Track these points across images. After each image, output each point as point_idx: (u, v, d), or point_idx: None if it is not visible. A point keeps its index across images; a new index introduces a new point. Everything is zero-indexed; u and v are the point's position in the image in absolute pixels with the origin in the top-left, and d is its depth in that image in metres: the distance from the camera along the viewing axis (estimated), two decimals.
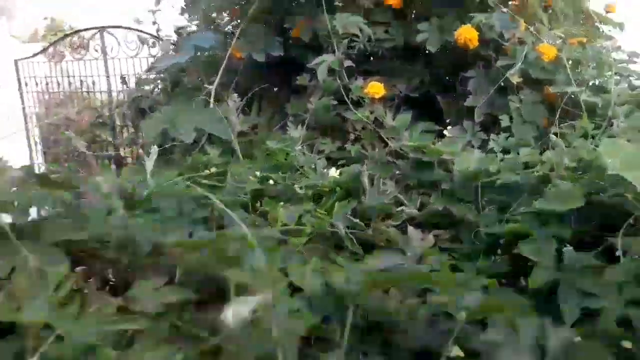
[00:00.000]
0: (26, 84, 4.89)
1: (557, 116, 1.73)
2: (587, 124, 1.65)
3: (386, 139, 1.83)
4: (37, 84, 4.90)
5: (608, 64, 1.84)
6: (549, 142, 1.71)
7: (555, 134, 1.62)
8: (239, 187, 1.32)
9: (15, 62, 4.84)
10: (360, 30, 1.80)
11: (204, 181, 1.30)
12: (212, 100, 1.94)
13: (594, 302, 1.02)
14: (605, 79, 1.86)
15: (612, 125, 1.60)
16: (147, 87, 3.05)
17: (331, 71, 1.86)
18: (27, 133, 4.86)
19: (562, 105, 1.89)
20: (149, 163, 1.19)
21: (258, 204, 1.55)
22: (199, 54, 2.45)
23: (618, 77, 1.94)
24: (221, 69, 2.01)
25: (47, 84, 4.89)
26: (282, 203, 1.54)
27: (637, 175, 1.06)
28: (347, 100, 1.83)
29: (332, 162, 1.89)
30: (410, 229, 1.36)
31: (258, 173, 1.72)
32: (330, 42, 1.85)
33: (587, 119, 1.70)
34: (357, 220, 1.33)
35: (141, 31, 4.50)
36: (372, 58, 2.08)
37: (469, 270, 1.24)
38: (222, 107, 2.00)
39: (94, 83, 4.68)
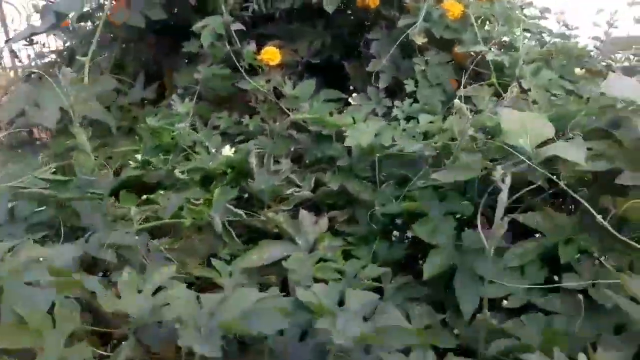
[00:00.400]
0: None
1: (465, 77, 1.62)
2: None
3: (287, 111, 1.65)
4: None
5: (517, 20, 1.74)
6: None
7: (461, 98, 1.51)
8: (89, 181, 1.10)
9: None
10: None
11: (48, 176, 1.08)
12: (86, 74, 1.68)
13: (495, 290, 0.91)
14: (515, 36, 1.76)
15: (520, 84, 1.50)
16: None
17: (222, 36, 1.65)
18: None
19: (471, 65, 1.79)
20: None
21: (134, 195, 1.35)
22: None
23: (527, 34, 1.85)
24: (95, 37, 1.74)
25: None
26: (161, 192, 1.35)
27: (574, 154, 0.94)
28: (239, 68, 1.63)
29: (229, 138, 1.70)
30: (302, 213, 1.21)
31: (139, 156, 1.51)
32: (218, 3, 1.63)
33: (495, 79, 1.60)
34: (238, 210, 1.16)
35: None
36: (270, 21, 1.87)
37: (364, 256, 1.12)
38: (99, 81, 1.74)
39: None
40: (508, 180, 0.75)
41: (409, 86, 1.60)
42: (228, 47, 1.62)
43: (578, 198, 0.90)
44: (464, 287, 0.89)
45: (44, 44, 3.27)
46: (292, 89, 1.67)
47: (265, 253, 1.11)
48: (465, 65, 1.79)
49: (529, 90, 1.45)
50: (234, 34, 1.63)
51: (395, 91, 1.71)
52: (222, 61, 1.68)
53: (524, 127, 1.02)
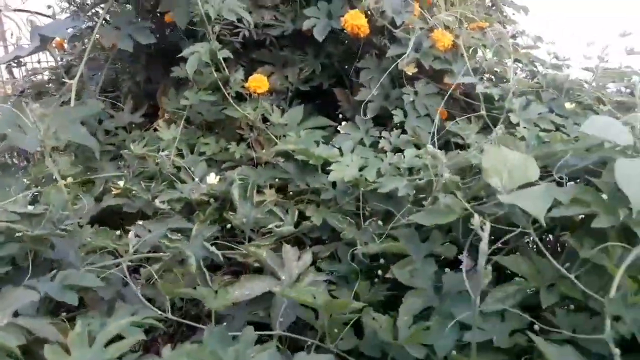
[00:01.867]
0: None
1: (445, 108, 1.60)
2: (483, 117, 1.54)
3: (274, 138, 1.64)
4: None
5: (507, 51, 1.73)
6: (448, 137, 1.58)
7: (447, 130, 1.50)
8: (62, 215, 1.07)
9: None
10: (237, 15, 1.58)
11: (18, 208, 1.05)
12: (72, 97, 1.66)
13: (474, 336, 0.88)
14: (506, 67, 1.75)
15: (509, 117, 1.48)
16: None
17: (210, 63, 1.63)
18: None
19: (461, 97, 1.78)
20: None
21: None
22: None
23: (517, 65, 1.84)
24: (84, 60, 1.73)
25: None
26: (140, 222, 1.32)
27: (533, 206, 0.92)
28: (226, 95, 1.61)
29: (217, 165, 1.68)
30: (285, 248, 1.18)
31: (122, 182, 1.48)
32: (207, 29, 1.62)
33: (485, 111, 1.59)
34: (213, 249, 1.13)
35: (40, 14, 4.01)
36: (261, 47, 1.86)
37: (345, 296, 1.08)
38: (86, 104, 1.72)
39: None
40: (487, 227, 0.72)
41: (397, 116, 1.58)
42: (215, 74, 1.61)
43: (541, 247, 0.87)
44: (439, 331, 0.86)
45: (39, 60, 3.28)
46: (280, 116, 1.66)
47: (247, 289, 1.08)
48: (456, 96, 1.79)
49: (518, 124, 1.43)
50: (222, 61, 1.61)
51: (384, 121, 1.69)
52: (211, 87, 1.67)
53: (505, 166, 1.00)
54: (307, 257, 1.15)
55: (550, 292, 0.90)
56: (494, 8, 2.17)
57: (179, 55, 1.62)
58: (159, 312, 0.99)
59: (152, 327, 0.98)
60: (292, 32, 1.77)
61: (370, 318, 0.95)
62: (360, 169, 1.27)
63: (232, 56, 1.63)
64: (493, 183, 0.96)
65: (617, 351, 0.71)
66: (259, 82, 1.60)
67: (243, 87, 1.62)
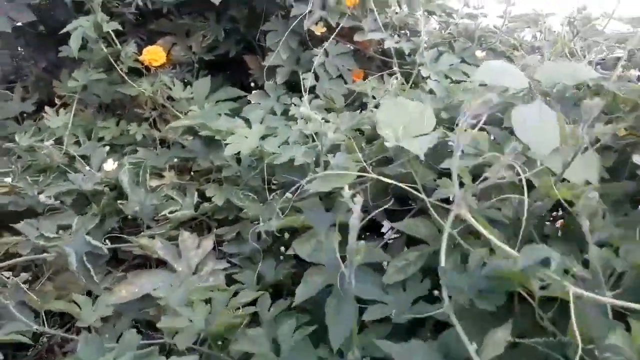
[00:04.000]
0: None
1: (361, 67, 1.52)
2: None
3: (179, 115, 1.51)
4: None
5: (420, 2, 1.65)
6: (362, 100, 1.50)
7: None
8: None
9: None
10: None
11: None
12: None
13: (374, 312, 0.82)
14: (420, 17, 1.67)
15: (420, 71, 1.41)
16: None
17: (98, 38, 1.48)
18: None
19: (378, 55, 1.70)
20: None
21: None
22: None
23: (432, 17, 1.76)
24: None
25: None
26: (25, 222, 1.19)
27: (414, 144, 0.86)
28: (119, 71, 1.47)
29: (121, 150, 1.54)
30: (182, 235, 1.08)
31: (9, 179, 1.34)
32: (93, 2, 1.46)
33: (398, 68, 1.52)
34: (97, 243, 1.02)
35: None
36: (161, 17, 1.71)
37: (249, 280, 1.01)
38: None
39: None
40: (359, 200, 0.65)
41: (308, 80, 1.49)
42: (105, 50, 1.46)
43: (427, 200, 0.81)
44: (336, 312, 0.79)
45: None
46: (183, 90, 1.53)
47: (136, 286, 0.98)
48: (371, 54, 1.70)
49: (429, 77, 1.36)
50: (112, 35, 1.46)
51: (299, 86, 1.59)
52: (102, 64, 1.52)
53: (402, 118, 0.93)
54: (208, 243, 1.06)
55: (453, 253, 0.84)
56: None
57: (62, 32, 1.45)
58: (33, 325, 0.88)
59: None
60: None
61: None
62: (262, 139, 1.18)
63: (121, 28, 1.48)
64: (386, 135, 0.89)
65: (456, 321, 0.66)
66: (154, 54, 1.46)
67: (137, 61, 1.48)
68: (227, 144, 1.13)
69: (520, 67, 0.98)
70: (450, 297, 0.68)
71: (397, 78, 1.14)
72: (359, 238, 0.71)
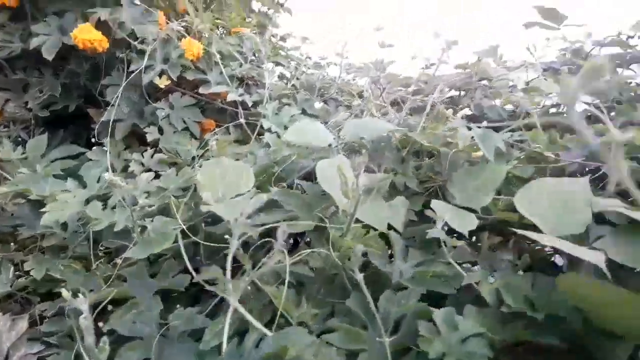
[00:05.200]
0: None
1: (212, 119, 1.53)
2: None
3: (10, 178, 1.40)
4: None
5: (266, 54, 1.71)
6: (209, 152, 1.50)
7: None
8: None
9: None
10: None
11: None
12: None
13: None
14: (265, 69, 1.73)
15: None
16: None
17: None
18: None
19: (229, 107, 1.71)
20: None
21: None
22: None
23: (282, 68, 1.83)
24: None
25: None
26: None
27: (224, 209, 0.86)
28: None
29: None
30: None
31: None
32: None
33: (244, 120, 1.54)
34: None
35: None
36: None
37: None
38: None
39: None
40: (82, 300, 0.63)
41: (151, 134, 1.46)
42: None
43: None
44: None
45: None
46: (13, 150, 1.42)
47: None
48: (221, 106, 1.72)
49: (269, 130, 1.40)
50: None
51: (142, 140, 1.55)
52: None
53: (223, 179, 0.94)
54: (22, 324, 0.97)
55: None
56: (261, 12, 2.15)
57: None
58: None
59: None
60: (20, 54, 1.54)
61: None
62: (88, 202, 1.12)
63: None
64: (205, 197, 0.89)
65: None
66: None
67: None
68: (46, 212, 1.06)
69: (333, 124, 1.04)
70: None
71: (216, 139, 1.15)
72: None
